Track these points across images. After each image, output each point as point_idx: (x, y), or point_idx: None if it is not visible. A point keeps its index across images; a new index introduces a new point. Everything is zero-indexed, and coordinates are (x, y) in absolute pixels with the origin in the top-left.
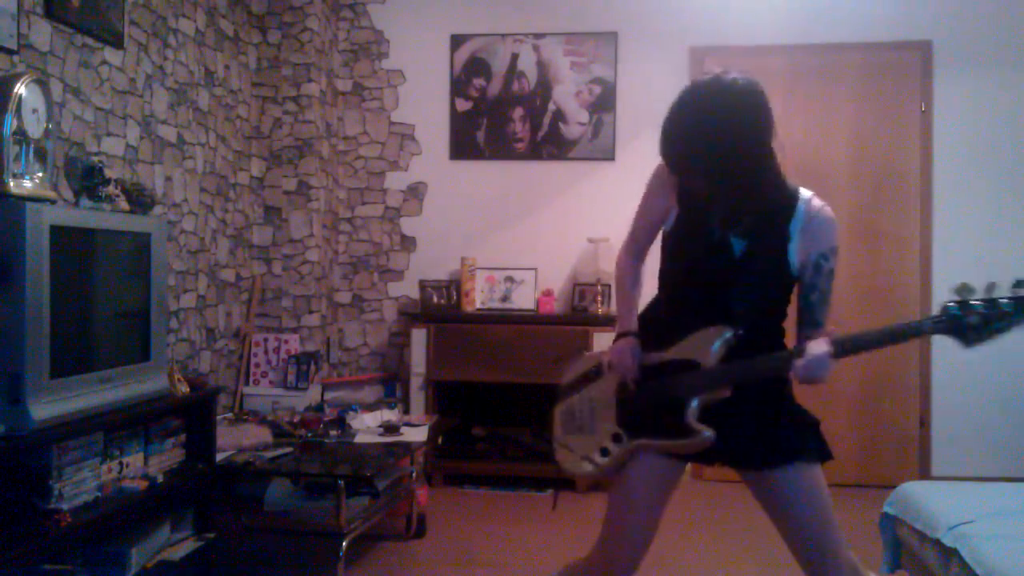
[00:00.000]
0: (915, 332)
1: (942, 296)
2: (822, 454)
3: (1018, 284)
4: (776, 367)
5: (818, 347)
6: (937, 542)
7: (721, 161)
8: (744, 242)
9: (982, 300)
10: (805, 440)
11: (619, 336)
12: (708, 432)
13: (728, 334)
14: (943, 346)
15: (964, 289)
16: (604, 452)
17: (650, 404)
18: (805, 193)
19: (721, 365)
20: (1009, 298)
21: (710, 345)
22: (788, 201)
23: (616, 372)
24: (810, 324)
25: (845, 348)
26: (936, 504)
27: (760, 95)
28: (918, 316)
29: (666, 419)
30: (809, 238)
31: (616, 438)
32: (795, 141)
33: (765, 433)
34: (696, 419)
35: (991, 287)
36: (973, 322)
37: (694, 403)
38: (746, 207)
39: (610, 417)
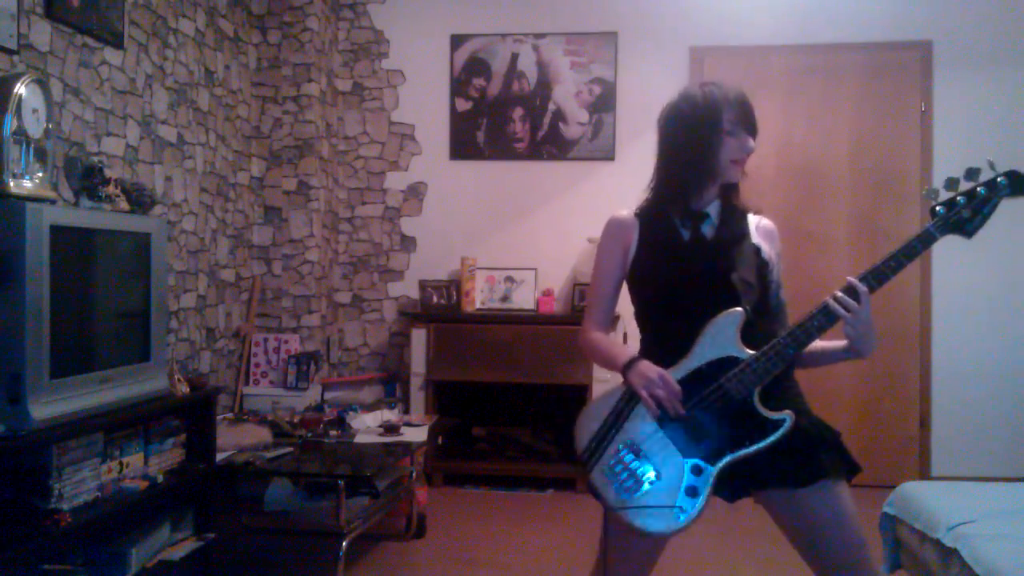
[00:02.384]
0: (926, 241)
1: (942, 296)
2: (849, 469)
3: (992, 166)
4: (825, 321)
5: (858, 286)
6: (937, 542)
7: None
8: (712, 231)
9: (962, 194)
10: (830, 455)
11: (627, 366)
12: (789, 415)
13: (739, 313)
14: (943, 346)
15: (950, 182)
16: (692, 491)
17: (710, 419)
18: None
19: (769, 344)
20: (983, 184)
21: (731, 333)
22: (742, 208)
23: (650, 396)
24: (783, 326)
25: (876, 280)
26: (936, 504)
27: None
28: (917, 317)
29: (735, 426)
30: (765, 236)
31: (696, 470)
32: (795, 141)
33: (789, 450)
34: (766, 411)
35: (971, 171)
36: (966, 215)
37: (755, 396)
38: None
39: (671, 453)
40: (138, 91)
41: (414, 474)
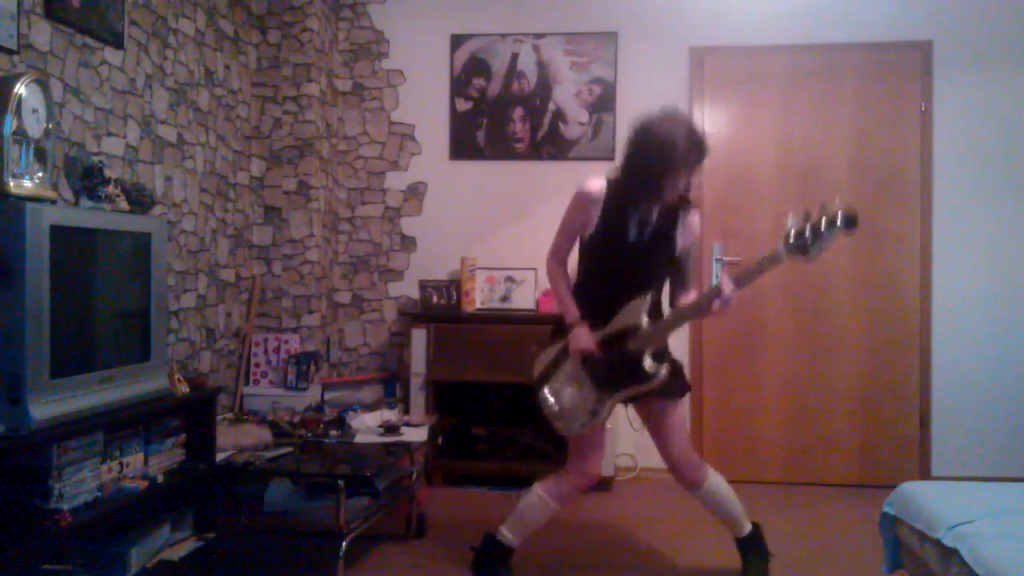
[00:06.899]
0: (776, 260)
1: (942, 296)
2: (684, 391)
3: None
4: (697, 311)
5: (728, 286)
6: (937, 542)
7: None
8: (649, 233)
9: (809, 228)
10: (681, 383)
11: (571, 326)
12: (663, 370)
13: (647, 300)
14: (943, 346)
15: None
16: (595, 412)
17: (614, 367)
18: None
19: (654, 322)
20: (825, 223)
21: (640, 312)
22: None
23: (579, 352)
24: (685, 286)
25: (740, 283)
26: (936, 504)
27: None
28: (917, 317)
29: (629, 373)
30: (687, 231)
31: (600, 399)
32: (795, 141)
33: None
34: (650, 365)
35: (808, 216)
36: (808, 243)
37: (646, 354)
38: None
39: (588, 386)
40: (138, 91)
41: (414, 474)
